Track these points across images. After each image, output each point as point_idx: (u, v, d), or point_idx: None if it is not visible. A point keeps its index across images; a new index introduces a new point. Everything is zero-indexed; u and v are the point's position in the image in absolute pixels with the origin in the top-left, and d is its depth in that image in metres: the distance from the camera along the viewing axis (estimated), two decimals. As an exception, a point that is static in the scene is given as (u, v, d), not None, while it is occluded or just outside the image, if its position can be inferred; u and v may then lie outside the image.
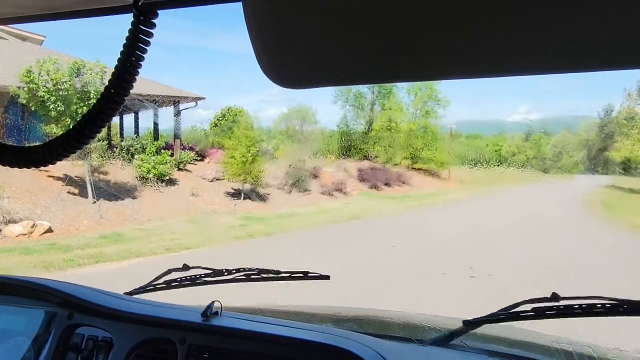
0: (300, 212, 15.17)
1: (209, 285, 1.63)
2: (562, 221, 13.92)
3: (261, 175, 16.30)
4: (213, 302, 1.33)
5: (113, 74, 0.67)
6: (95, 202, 12.37)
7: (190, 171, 16.61)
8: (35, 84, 11.74)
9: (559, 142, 32.63)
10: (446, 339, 1.44)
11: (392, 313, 1.85)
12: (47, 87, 11.77)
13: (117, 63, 0.67)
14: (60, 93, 11.88)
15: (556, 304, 1.31)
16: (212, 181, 16.30)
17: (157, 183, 14.47)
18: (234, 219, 13.22)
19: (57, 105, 11.82)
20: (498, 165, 32.55)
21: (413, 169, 25.14)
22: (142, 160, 14.58)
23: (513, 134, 34.38)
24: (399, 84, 23.40)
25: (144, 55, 0.67)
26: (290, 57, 0.47)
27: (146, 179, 14.36)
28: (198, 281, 1.65)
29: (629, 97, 23.86)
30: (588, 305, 1.26)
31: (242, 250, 10.02)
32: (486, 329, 1.76)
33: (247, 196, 15.83)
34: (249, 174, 15.57)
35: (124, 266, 8.18)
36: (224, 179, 16.15)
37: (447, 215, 15.59)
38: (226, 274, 1.64)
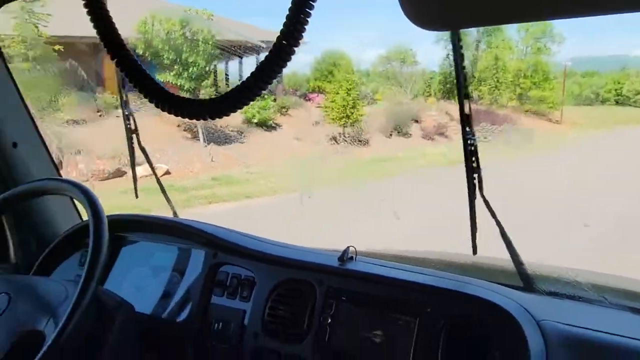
0: (402, 156, 14.99)
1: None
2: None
3: (361, 118, 16.23)
4: (348, 247, 1.37)
5: (284, 24, 0.68)
6: (206, 146, 13.11)
7: (292, 115, 16.92)
8: (150, 34, 12.39)
9: (695, 77, 28.89)
10: (585, 294, 1.37)
11: (532, 264, 1.79)
12: (159, 37, 12.39)
13: (288, 12, 0.67)
14: (171, 42, 12.48)
15: None
16: (314, 125, 16.52)
17: (262, 127, 14.96)
18: (337, 163, 13.40)
19: (169, 54, 12.45)
20: (618, 105, 29.67)
21: (521, 110, 23.68)
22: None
23: (638, 70, 30.92)
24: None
25: (313, 4, 0.66)
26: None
27: (251, 123, 14.89)
28: None
29: None
30: None
31: (349, 189, 10.06)
32: (628, 284, 1.65)
33: (348, 140, 15.90)
34: (349, 118, 15.56)
35: (237, 206, 8.66)
36: (325, 123, 16.31)
37: (558, 158, 14.61)
38: None
